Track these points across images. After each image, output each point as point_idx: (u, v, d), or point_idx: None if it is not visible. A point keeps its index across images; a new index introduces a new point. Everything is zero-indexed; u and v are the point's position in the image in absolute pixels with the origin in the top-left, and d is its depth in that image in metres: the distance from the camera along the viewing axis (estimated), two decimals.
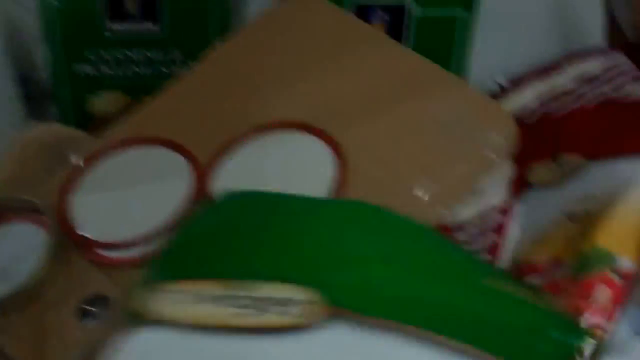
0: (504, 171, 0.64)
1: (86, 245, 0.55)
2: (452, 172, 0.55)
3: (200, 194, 0.56)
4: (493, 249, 0.61)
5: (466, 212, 0.62)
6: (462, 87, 0.60)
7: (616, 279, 0.51)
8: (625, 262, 0.51)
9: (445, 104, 0.58)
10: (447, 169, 0.55)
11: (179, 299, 0.42)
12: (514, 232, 0.61)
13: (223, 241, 0.46)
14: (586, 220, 0.56)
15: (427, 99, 0.58)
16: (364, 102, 0.59)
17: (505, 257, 0.61)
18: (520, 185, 0.63)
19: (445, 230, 0.61)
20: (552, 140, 0.63)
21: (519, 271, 0.57)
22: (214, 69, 0.64)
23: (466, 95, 0.59)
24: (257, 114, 0.60)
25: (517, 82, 0.70)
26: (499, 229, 0.62)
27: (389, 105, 0.59)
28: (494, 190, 0.64)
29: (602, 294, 0.50)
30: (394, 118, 0.58)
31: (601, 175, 0.57)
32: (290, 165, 0.57)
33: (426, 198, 0.54)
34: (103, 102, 0.72)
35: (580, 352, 0.44)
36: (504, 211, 0.63)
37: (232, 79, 0.63)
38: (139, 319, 0.42)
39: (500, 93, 0.70)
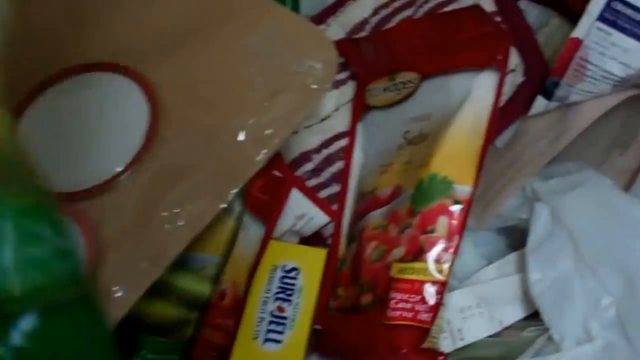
0: (344, 95, 0.61)
1: None
2: (274, 106, 0.50)
3: None
4: (341, 177, 0.59)
5: (311, 140, 0.59)
6: (279, 12, 0.55)
7: (455, 208, 0.49)
8: (463, 189, 0.49)
9: (262, 32, 0.53)
10: (269, 103, 0.50)
11: None
12: (358, 158, 0.59)
13: None
14: (422, 142, 0.53)
15: (242, 28, 0.53)
16: (177, 35, 0.54)
17: (352, 186, 0.58)
18: (361, 108, 0.60)
19: (292, 162, 0.58)
20: (388, 58, 0.59)
21: (365, 205, 0.55)
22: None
23: (284, 21, 0.54)
24: (65, 55, 0.54)
25: None
26: (345, 156, 0.59)
27: (203, 36, 0.53)
28: (337, 115, 0.61)
29: (443, 225, 0.48)
30: (210, 51, 0.53)
31: (435, 93, 0.55)
32: (100, 112, 0.52)
33: (249, 138, 0.50)
34: None
35: None
36: (348, 136, 0.60)
37: (39, 19, 0.56)
38: None
39: (337, 5, 0.65)
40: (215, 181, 0.48)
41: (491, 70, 0.53)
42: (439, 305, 0.48)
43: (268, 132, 0.49)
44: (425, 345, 0.47)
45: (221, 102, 0.51)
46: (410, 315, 0.48)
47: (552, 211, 0.49)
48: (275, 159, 0.55)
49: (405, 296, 0.48)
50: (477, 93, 0.52)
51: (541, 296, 0.47)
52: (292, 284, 0.52)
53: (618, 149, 0.55)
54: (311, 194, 0.57)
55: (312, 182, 0.58)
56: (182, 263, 0.51)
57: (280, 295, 0.51)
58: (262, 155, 0.49)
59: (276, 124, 0.50)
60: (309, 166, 0.59)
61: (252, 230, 0.53)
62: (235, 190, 0.48)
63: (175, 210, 0.47)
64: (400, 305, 0.48)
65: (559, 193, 0.50)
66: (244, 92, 0.51)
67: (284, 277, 0.52)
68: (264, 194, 0.54)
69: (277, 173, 0.55)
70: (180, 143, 0.50)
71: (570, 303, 0.46)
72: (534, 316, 0.50)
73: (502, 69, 0.52)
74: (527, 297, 0.49)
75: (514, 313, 0.50)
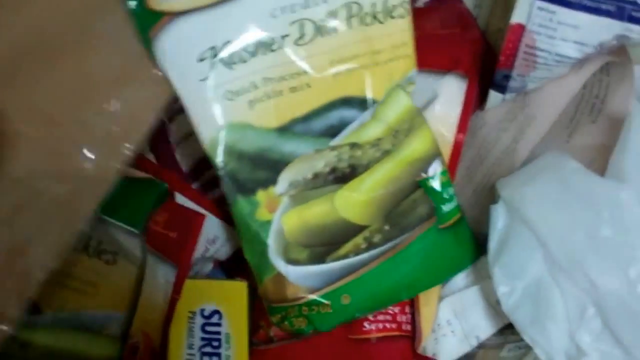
0: None
1: None
2: (119, 105, 0.41)
3: None
4: None
5: None
6: None
7: None
8: None
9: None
10: (112, 102, 0.41)
11: None
12: None
13: None
14: None
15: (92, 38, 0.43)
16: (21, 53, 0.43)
17: None
18: None
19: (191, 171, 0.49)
20: None
21: None
22: None
23: None
24: None
25: None
26: None
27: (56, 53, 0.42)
28: None
29: None
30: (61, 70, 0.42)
31: None
32: None
33: (94, 150, 0.41)
34: None
35: None
36: None
37: None
38: None
39: None
40: (61, 209, 0.39)
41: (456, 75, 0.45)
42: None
43: (115, 137, 0.40)
44: None
45: (62, 111, 0.41)
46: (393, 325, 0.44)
47: (511, 209, 0.41)
48: (173, 177, 0.46)
49: None
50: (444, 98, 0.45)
51: (514, 310, 0.40)
52: (217, 332, 0.44)
53: (586, 117, 0.46)
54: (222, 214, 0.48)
55: (218, 192, 0.50)
56: (79, 325, 0.42)
57: (207, 350, 0.43)
58: (113, 169, 0.40)
59: (123, 128, 0.41)
60: (212, 173, 0.50)
61: (160, 274, 0.45)
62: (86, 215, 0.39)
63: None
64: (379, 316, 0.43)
65: (518, 186, 0.42)
66: (85, 91, 0.41)
67: (205, 324, 0.44)
68: (171, 230, 0.45)
69: (181, 202, 0.45)
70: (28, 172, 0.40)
71: (551, 315, 0.39)
72: (509, 327, 0.43)
73: (470, 74, 0.45)
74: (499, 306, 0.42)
75: (490, 325, 0.44)
